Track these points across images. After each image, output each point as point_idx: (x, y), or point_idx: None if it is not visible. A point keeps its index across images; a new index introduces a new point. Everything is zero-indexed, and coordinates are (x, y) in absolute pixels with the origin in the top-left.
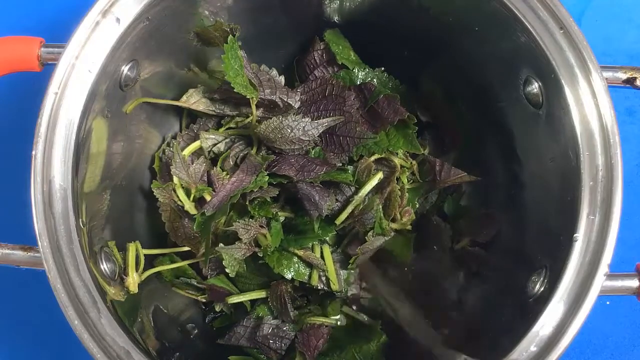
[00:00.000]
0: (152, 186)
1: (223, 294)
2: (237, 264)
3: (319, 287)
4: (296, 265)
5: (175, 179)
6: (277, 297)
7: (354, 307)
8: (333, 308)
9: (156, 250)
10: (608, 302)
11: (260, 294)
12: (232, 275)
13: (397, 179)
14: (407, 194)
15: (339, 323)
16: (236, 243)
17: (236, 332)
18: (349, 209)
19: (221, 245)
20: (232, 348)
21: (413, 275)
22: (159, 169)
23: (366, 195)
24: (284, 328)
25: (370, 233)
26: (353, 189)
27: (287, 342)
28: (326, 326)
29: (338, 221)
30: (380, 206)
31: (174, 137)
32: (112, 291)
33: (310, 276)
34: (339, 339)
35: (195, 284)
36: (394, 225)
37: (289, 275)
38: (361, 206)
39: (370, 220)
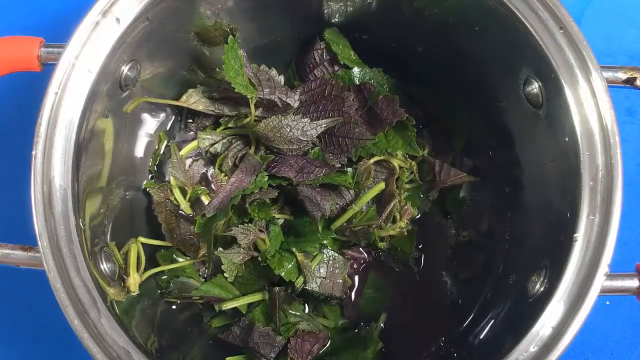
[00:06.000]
0: (145, 185)
1: (217, 299)
2: (235, 268)
3: (320, 292)
4: (295, 267)
5: (171, 179)
6: (273, 304)
7: (353, 312)
8: (331, 313)
9: (158, 241)
10: (608, 302)
11: (255, 298)
12: (230, 280)
13: (397, 179)
14: (405, 193)
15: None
16: (235, 248)
17: (233, 332)
18: (347, 216)
19: (220, 249)
20: (231, 347)
21: (414, 274)
22: (155, 168)
23: (365, 205)
24: (274, 336)
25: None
26: (352, 192)
27: (277, 350)
28: (322, 332)
29: (334, 227)
30: (377, 230)
31: (173, 137)
32: (112, 291)
33: (304, 280)
34: (335, 345)
35: (189, 294)
36: (392, 232)
37: (288, 277)
38: (359, 217)
39: (366, 236)
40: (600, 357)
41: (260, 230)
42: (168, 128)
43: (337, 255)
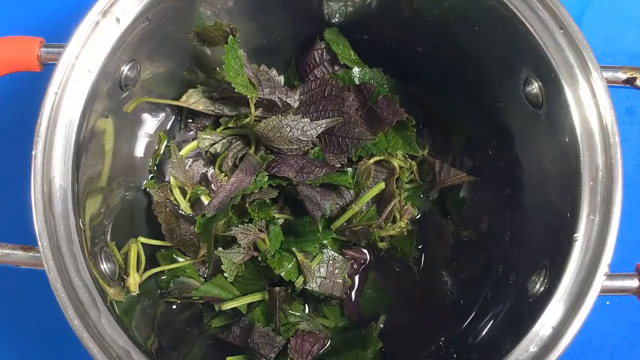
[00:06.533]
0: (145, 185)
1: (217, 299)
2: (235, 268)
3: (320, 292)
4: (295, 267)
5: (171, 179)
6: (273, 304)
7: (353, 312)
8: (332, 313)
9: (158, 241)
10: (608, 302)
11: (255, 298)
12: (230, 279)
13: (397, 179)
14: (405, 193)
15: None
16: (235, 247)
17: (233, 332)
18: (347, 216)
19: (220, 249)
20: (231, 347)
21: (414, 274)
22: (155, 168)
23: (365, 204)
24: (274, 336)
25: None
26: (352, 192)
27: (277, 350)
28: (322, 332)
29: (334, 226)
30: (377, 230)
31: (173, 137)
32: (112, 291)
33: (304, 280)
34: (335, 345)
35: (189, 294)
36: (392, 232)
37: (288, 276)
38: (359, 217)
39: (366, 236)
40: (600, 357)
41: (260, 230)
42: (168, 128)
43: (337, 255)
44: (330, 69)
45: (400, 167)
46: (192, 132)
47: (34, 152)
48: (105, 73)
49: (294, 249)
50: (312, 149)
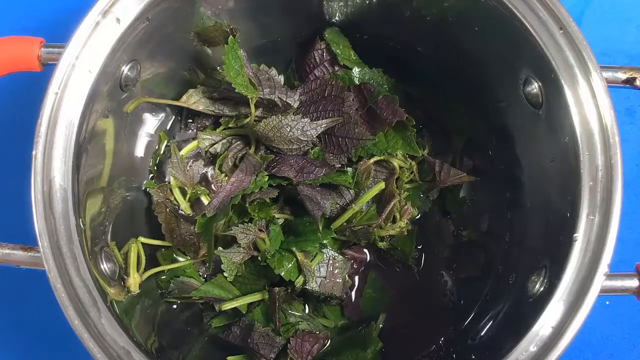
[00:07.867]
0: (145, 185)
1: (217, 299)
2: (235, 268)
3: (320, 292)
4: (295, 267)
5: (171, 179)
6: (273, 304)
7: (353, 312)
8: (332, 313)
9: (158, 241)
10: (608, 302)
11: (255, 298)
12: (230, 279)
13: (397, 179)
14: (405, 193)
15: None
16: (235, 247)
17: (233, 332)
18: (347, 215)
19: (220, 249)
20: (231, 347)
21: (414, 274)
22: (155, 168)
23: (365, 204)
24: (274, 336)
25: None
26: (352, 192)
27: (277, 350)
28: (322, 332)
29: (334, 226)
30: (377, 230)
31: (173, 137)
32: (112, 291)
33: (304, 280)
34: (335, 345)
35: (189, 294)
36: (392, 232)
37: (288, 276)
38: (359, 217)
39: (366, 236)
40: (600, 357)
41: (260, 230)
42: (168, 128)
43: (337, 254)
44: (330, 69)
45: (400, 167)
46: (192, 132)
47: (34, 152)
48: (105, 73)
49: (294, 249)
50: (312, 149)
